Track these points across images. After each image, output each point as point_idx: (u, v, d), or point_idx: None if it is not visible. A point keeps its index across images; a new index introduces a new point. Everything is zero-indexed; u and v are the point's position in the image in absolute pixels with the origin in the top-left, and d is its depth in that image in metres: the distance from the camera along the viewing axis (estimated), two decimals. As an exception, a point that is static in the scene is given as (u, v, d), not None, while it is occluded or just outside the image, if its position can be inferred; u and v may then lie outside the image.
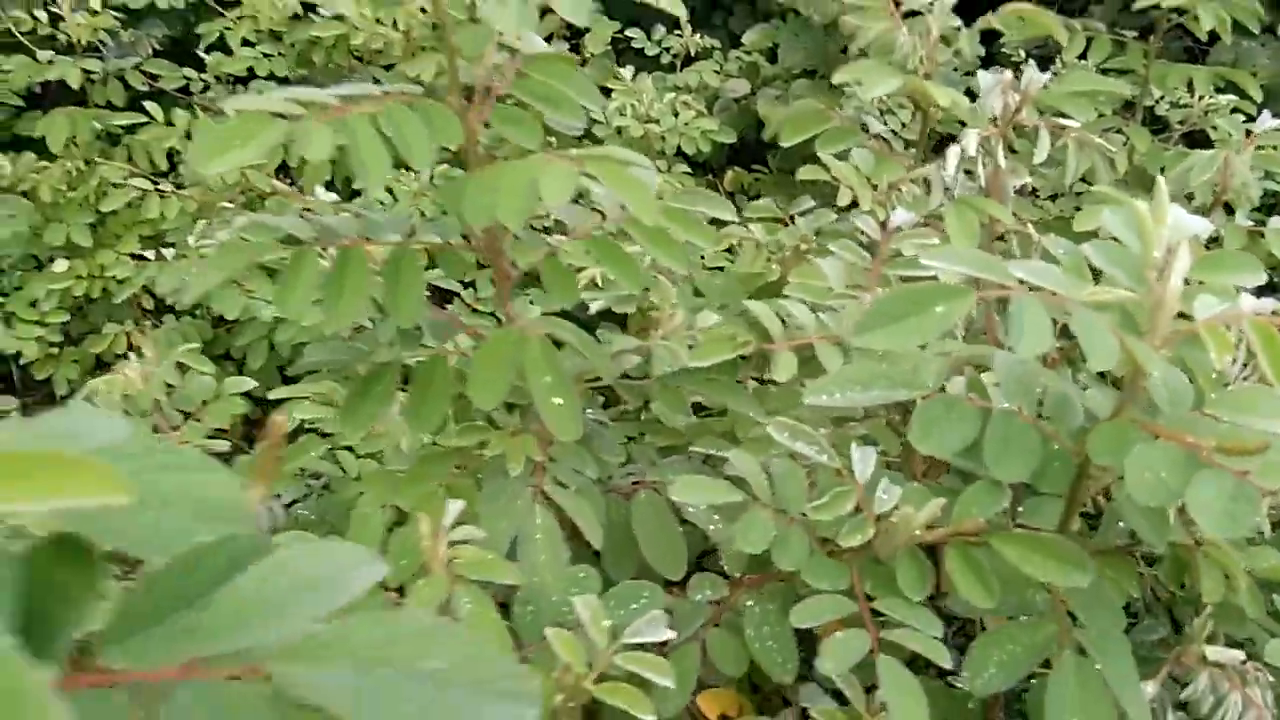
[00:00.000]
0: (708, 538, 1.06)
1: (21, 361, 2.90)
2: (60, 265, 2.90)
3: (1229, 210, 1.39)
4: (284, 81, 3.04)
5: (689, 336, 1.09)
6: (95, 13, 2.83)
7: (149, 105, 2.63)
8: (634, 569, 1.08)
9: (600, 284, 1.30)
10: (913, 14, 1.32)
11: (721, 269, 1.45)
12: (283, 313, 0.95)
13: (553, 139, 3.14)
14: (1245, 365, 0.87)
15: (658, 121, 2.97)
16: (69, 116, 2.89)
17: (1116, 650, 0.74)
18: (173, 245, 2.76)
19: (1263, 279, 0.77)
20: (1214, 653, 0.79)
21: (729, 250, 1.53)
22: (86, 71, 2.85)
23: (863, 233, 1.09)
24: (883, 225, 1.14)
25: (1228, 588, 0.86)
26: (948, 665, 0.72)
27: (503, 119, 1.00)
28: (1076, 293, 0.71)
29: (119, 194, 2.62)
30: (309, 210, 1.30)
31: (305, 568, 0.43)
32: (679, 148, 3.04)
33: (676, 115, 3.02)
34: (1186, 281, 0.74)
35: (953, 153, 1.15)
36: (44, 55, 2.96)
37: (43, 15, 2.87)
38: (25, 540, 0.40)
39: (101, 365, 3.10)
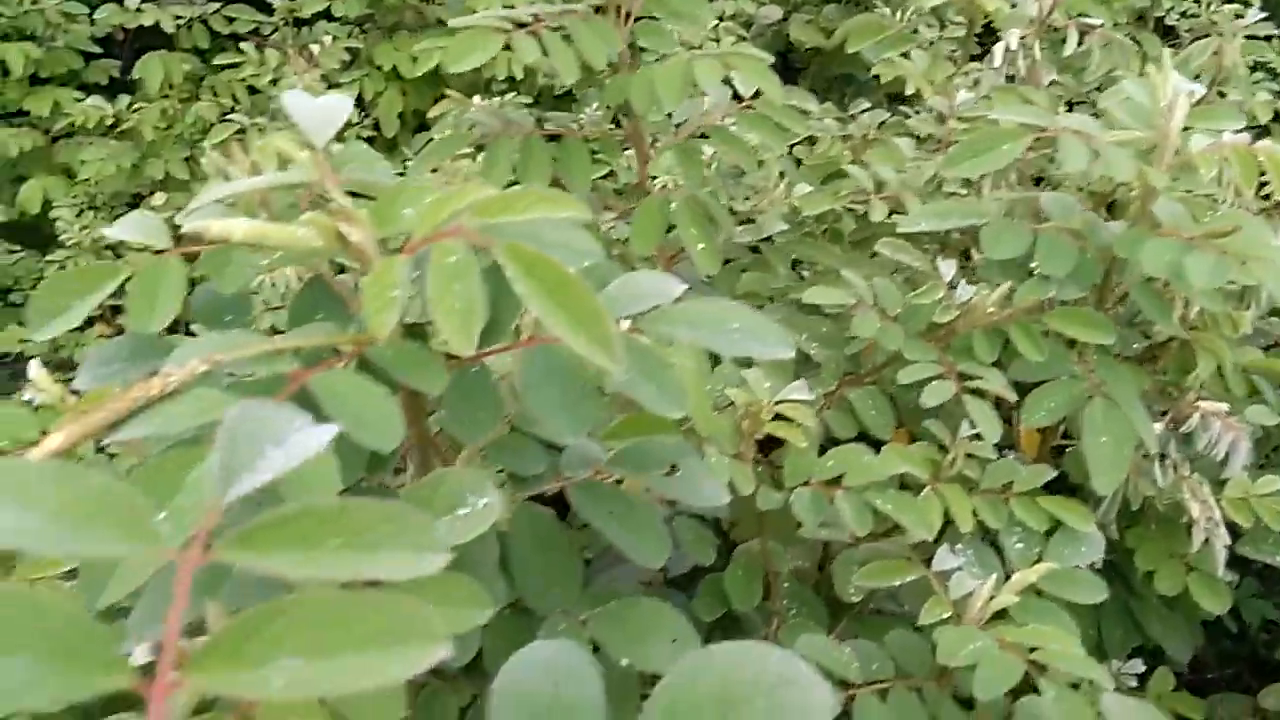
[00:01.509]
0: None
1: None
2: (158, 198, 3.17)
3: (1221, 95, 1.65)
4: (359, 23, 3.28)
5: (788, 204, 1.37)
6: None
7: (245, 46, 2.87)
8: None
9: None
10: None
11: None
12: (488, 181, 1.23)
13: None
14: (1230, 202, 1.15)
15: (700, 48, 3.20)
16: (162, 60, 3.14)
17: (1130, 399, 1.03)
18: (265, 175, 3.02)
19: (1241, 125, 1.05)
20: (1206, 405, 1.08)
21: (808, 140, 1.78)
22: (176, 17, 3.09)
23: (929, 115, 1.36)
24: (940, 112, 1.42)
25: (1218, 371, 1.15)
26: (1013, 398, 1.01)
27: (644, 31, 1.26)
28: (1104, 135, 0.99)
29: (221, 129, 2.88)
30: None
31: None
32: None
33: (718, 42, 3.25)
34: (1186, 129, 1.02)
35: (998, 48, 1.42)
36: (131, 3, 3.20)
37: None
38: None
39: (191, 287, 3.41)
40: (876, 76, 1.79)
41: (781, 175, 1.38)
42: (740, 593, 1.04)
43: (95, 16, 3.27)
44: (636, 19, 1.29)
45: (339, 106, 0.73)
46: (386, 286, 0.60)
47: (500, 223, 0.63)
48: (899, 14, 2.89)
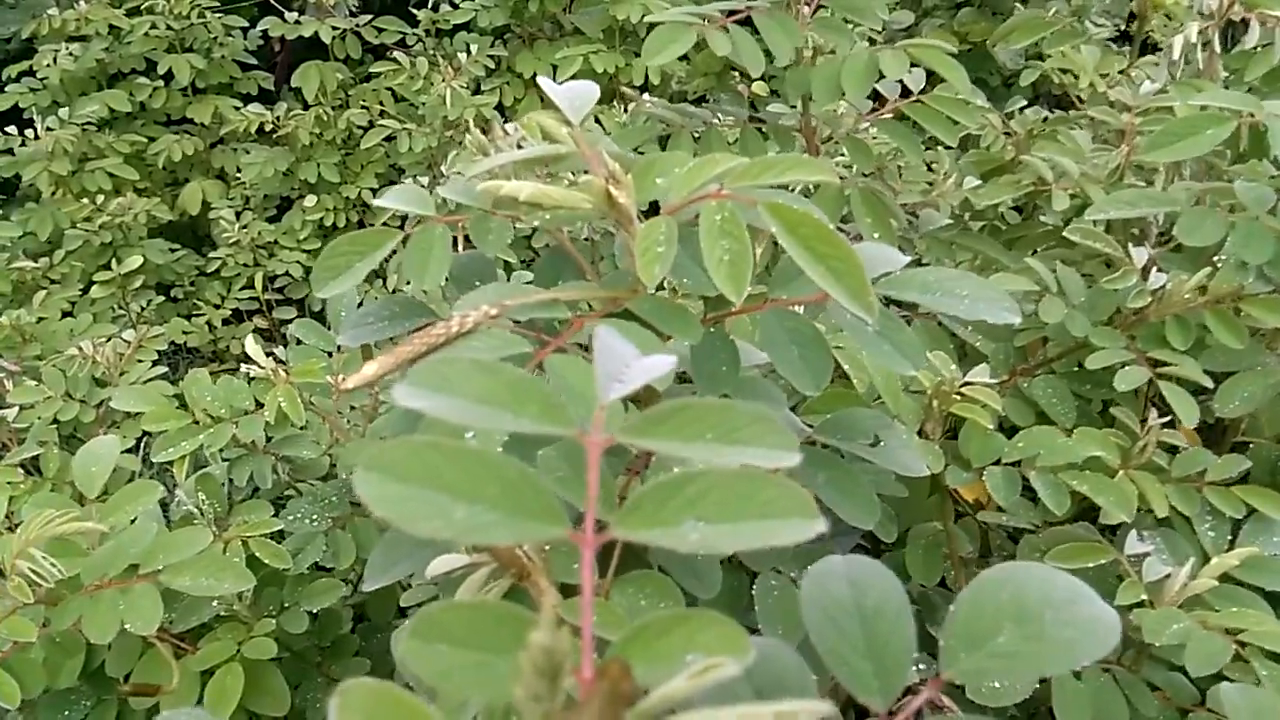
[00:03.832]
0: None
1: (278, 284, 3.36)
2: (310, 200, 3.34)
3: None
4: (497, 33, 3.40)
5: (957, 194, 1.39)
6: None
7: (398, 55, 3.01)
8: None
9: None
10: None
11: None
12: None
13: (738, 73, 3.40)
14: None
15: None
16: (318, 69, 3.32)
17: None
18: (411, 177, 3.17)
19: None
20: None
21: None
22: (333, 28, 3.26)
23: (1109, 105, 1.37)
24: (1110, 104, 1.41)
25: None
26: (1210, 385, 1.01)
27: (822, 25, 1.30)
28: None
29: (374, 133, 3.03)
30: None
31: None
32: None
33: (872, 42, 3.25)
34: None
35: (1177, 41, 1.41)
36: (290, 16, 3.39)
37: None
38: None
39: (341, 288, 3.58)
40: (1011, 81, 1.80)
41: (929, 169, 1.40)
42: (921, 570, 1.06)
43: (258, 27, 3.47)
44: (814, 11, 1.33)
45: (589, 90, 0.78)
46: (653, 242, 0.65)
47: (756, 185, 0.67)
48: (1055, 9, 2.87)
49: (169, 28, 3.47)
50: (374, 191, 3.30)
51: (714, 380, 0.72)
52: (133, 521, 1.09)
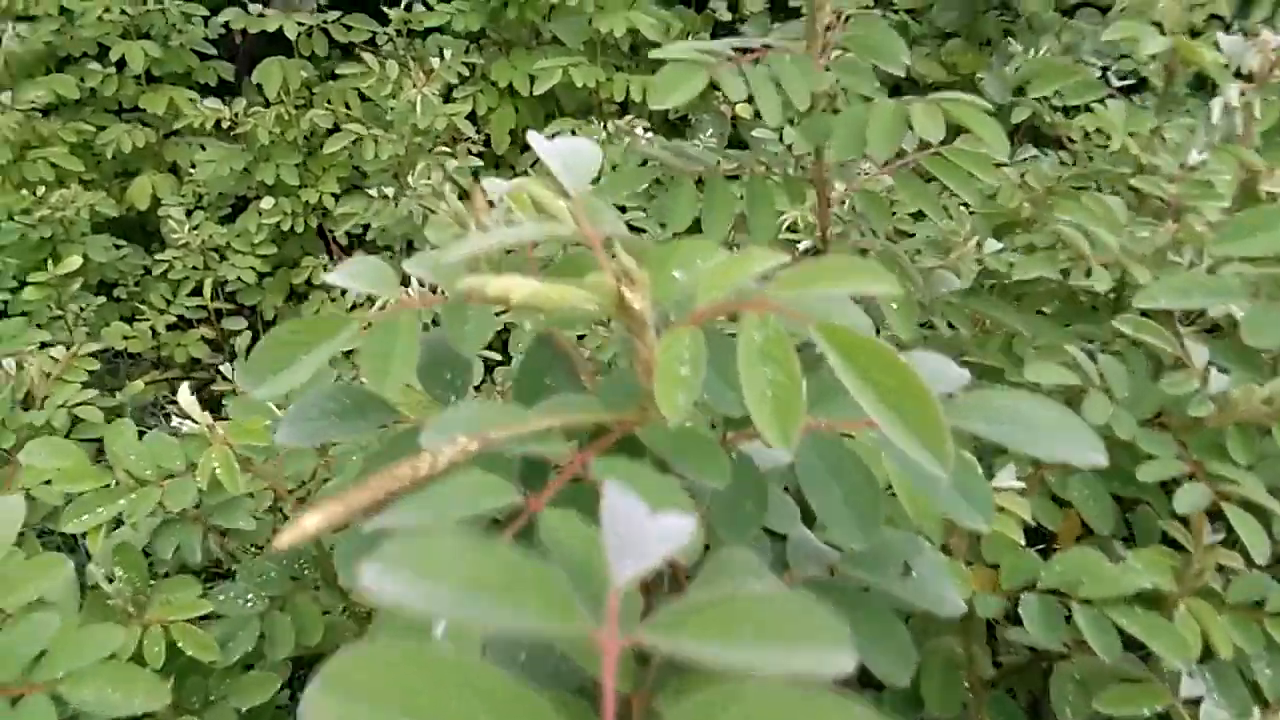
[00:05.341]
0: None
1: (229, 289, 3.17)
2: (267, 202, 3.16)
3: None
4: (472, 38, 3.25)
5: (977, 259, 1.27)
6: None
7: (366, 56, 2.85)
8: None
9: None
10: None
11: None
12: (670, 225, 1.14)
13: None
14: None
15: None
16: (281, 65, 3.14)
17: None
18: (371, 184, 3.00)
19: None
20: None
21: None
22: (299, 24, 3.09)
23: (1134, 172, 1.25)
24: (1140, 167, 1.30)
25: None
26: (1278, 511, 0.89)
27: (844, 69, 1.17)
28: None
29: (338, 137, 2.86)
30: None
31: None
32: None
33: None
34: None
35: (1216, 104, 1.30)
36: (254, 8, 3.22)
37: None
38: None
39: (295, 295, 3.39)
40: (998, 113, 1.70)
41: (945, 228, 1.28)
42: (939, 700, 0.94)
43: (219, 19, 3.29)
44: (835, 54, 1.20)
45: (591, 152, 0.65)
46: (676, 362, 0.52)
47: (804, 293, 0.54)
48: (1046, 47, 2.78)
49: (124, 12, 3.27)
50: (336, 197, 3.13)
51: (738, 526, 0.59)
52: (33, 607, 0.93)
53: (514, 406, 0.55)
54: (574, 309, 0.55)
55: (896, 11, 3.73)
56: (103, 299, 3.05)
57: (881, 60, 1.19)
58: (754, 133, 2.88)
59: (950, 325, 1.33)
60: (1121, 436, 0.94)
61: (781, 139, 2.88)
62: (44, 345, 2.32)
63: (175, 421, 1.15)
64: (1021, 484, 0.94)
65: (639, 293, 0.55)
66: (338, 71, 2.99)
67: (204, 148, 3.30)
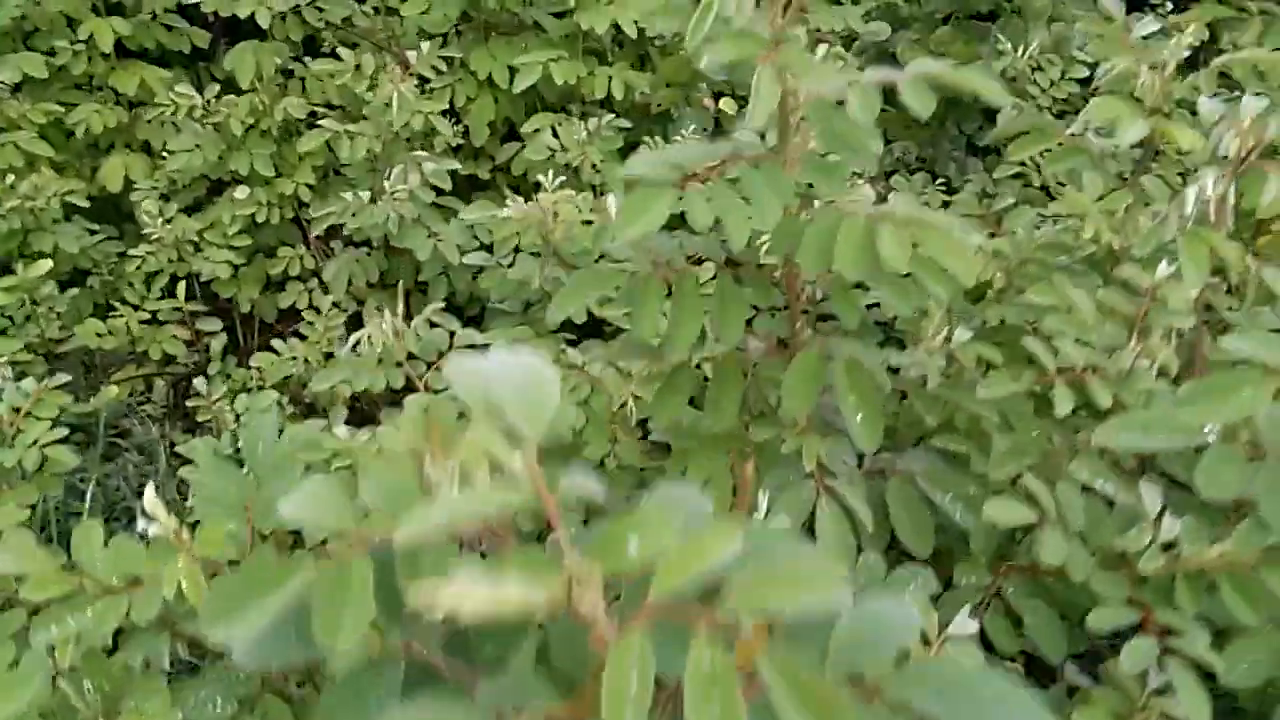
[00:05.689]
0: (946, 524, 1.27)
1: (204, 279, 3.12)
2: (241, 191, 3.11)
3: None
4: (455, 32, 3.16)
5: (946, 351, 1.27)
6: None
7: (342, 52, 2.78)
8: (886, 542, 1.29)
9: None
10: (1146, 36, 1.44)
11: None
12: (637, 330, 1.13)
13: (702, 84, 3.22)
14: None
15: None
16: (254, 52, 3.06)
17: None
18: (345, 177, 2.96)
19: None
20: None
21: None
22: (270, 9, 3.00)
23: (1105, 256, 1.25)
24: (1111, 254, 1.30)
25: None
26: (1219, 669, 0.92)
27: (815, 170, 1.16)
28: (1352, 378, 0.88)
29: (315, 135, 2.80)
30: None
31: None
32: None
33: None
34: None
35: (1191, 192, 1.29)
36: (225, -13, 3.11)
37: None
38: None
39: (271, 284, 3.34)
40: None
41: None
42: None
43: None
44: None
45: (548, 382, 0.64)
46: (623, 683, 0.52)
47: (764, 604, 0.54)
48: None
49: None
50: (311, 188, 3.08)
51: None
52: None
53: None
54: (525, 608, 0.55)
55: (888, -9, 3.65)
56: (75, 290, 3.01)
57: (853, 153, 1.18)
58: (736, 134, 2.83)
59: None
60: (1076, 579, 0.96)
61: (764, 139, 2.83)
62: (15, 365, 2.30)
63: (141, 524, 1.15)
64: (975, 628, 0.96)
65: (591, 592, 0.55)
66: (313, 69, 2.92)
67: (177, 128, 3.22)
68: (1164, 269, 1.20)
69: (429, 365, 1.92)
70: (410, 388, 1.89)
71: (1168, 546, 0.94)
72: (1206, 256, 1.26)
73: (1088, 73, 3.14)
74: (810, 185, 1.18)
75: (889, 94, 1.11)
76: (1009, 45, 3.03)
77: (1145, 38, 1.40)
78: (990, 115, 3.51)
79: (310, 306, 3.12)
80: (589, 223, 2.22)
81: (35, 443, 1.80)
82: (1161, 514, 0.96)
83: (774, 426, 1.24)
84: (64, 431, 1.82)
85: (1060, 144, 1.47)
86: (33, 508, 1.85)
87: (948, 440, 1.29)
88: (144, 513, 1.16)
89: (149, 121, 3.37)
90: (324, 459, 1.61)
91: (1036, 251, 1.46)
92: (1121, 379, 1.08)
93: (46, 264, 2.65)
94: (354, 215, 2.61)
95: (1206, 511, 0.95)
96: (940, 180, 3.28)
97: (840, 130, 1.16)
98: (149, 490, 1.17)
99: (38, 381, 1.87)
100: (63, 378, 1.94)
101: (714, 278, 1.25)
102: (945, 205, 3.04)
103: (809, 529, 1.22)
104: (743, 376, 1.26)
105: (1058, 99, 3.00)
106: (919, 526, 1.27)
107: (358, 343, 1.84)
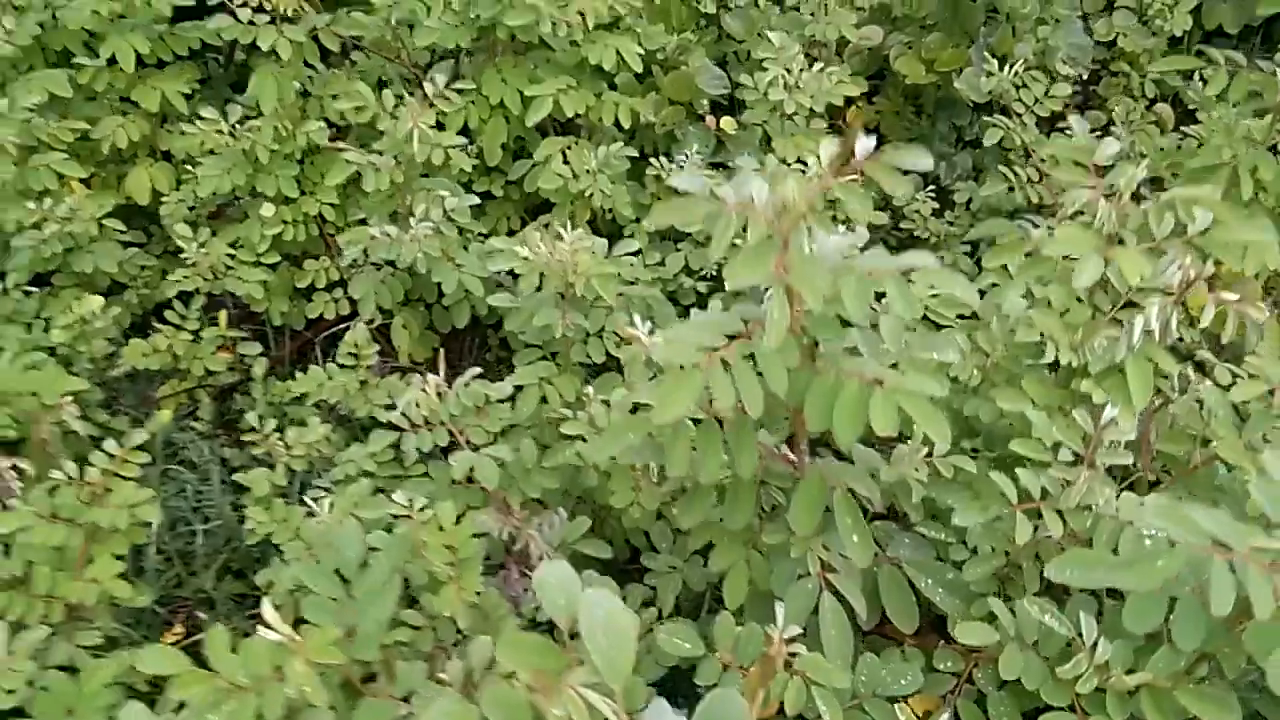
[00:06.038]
0: (931, 606, 1.51)
1: (239, 296, 3.30)
2: (268, 209, 3.27)
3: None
4: (464, 53, 3.28)
5: (928, 463, 1.50)
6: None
7: (362, 88, 2.93)
8: (879, 619, 1.54)
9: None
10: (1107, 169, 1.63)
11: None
12: (670, 465, 1.36)
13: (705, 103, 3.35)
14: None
15: (800, 88, 3.17)
16: (275, 78, 3.19)
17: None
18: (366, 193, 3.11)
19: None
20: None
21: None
22: (290, 40, 3.12)
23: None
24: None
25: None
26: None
27: (817, 325, 1.37)
28: (1247, 542, 1.11)
29: (341, 167, 2.96)
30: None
31: None
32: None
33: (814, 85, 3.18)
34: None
35: (1138, 322, 1.51)
36: (244, 14, 3.23)
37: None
38: None
39: (299, 293, 3.51)
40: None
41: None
42: None
43: (210, 27, 3.30)
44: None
45: (628, 628, 0.87)
46: None
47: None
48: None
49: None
50: (334, 206, 3.25)
51: None
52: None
53: None
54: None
55: (882, -10, 3.76)
56: (117, 308, 3.19)
57: (831, 335, 1.37)
58: (738, 160, 3.01)
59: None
60: (1029, 688, 1.21)
61: (762, 164, 3.03)
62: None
63: (260, 631, 1.38)
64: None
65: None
66: (335, 106, 3.06)
67: (200, 141, 3.35)
68: (1109, 412, 1.43)
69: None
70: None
71: (1101, 666, 1.19)
72: (1150, 379, 1.48)
73: (1071, 89, 3.30)
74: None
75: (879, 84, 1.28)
76: (994, 64, 3.16)
77: (1106, 168, 1.59)
78: (979, 108, 3.68)
79: (338, 318, 3.33)
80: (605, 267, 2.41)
81: (124, 504, 2.03)
82: (1096, 642, 1.20)
83: (783, 530, 1.47)
84: (150, 492, 2.05)
85: (1028, 254, 1.68)
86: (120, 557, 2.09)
87: (930, 527, 1.53)
88: (263, 622, 1.40)
89: (169, 130, 3.52)
90: (385, 525, 1.85)
91: (1009, 355, 1.67)
92: (1071, 511, 1.31)
93: (99, 300, 2.84)
94: (384, 249, 2.79)
95: (1130, 642, 1.20)
96: (930, 186, 3.47)
97: (832, 321, 1.37)
98: (266, 605, 1.40)
99: (104, 410, 2.08)
100: (139, 436, 2.16)
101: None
102: (936, 213, 3.22)
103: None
104: (756, 484, 1.49)
105: (1042, 118, 3.17)
106: (905, 608, 1.52)
107: (405, 406, 2.05)
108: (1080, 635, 1.22)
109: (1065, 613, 1.27)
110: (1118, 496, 1.41)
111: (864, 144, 1.27)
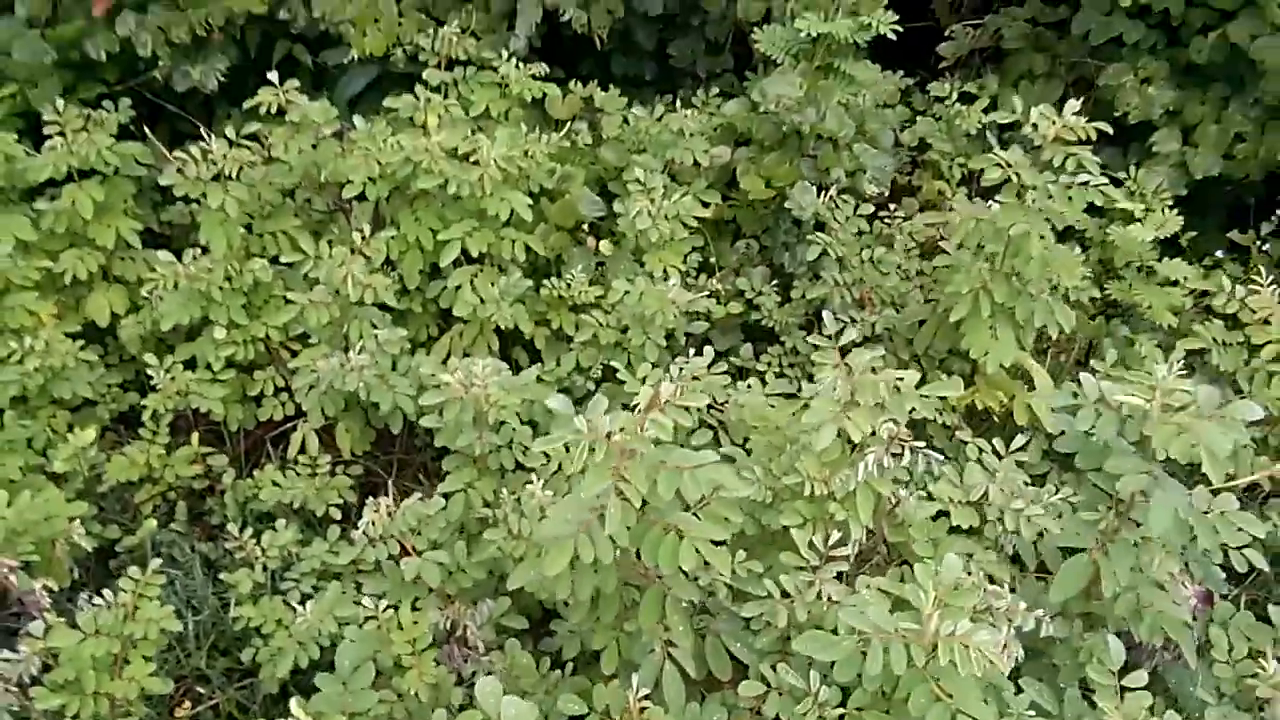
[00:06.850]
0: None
1: (200, 409, 3.88)
2: (219, 331, 3.87)
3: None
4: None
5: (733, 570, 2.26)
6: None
7: (304, 243, 3.56)
8: (705, 674, 2.30)
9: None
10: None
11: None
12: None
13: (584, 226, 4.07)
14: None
15: (663, 213, 3.92)
16: (224, 227, 3.78)
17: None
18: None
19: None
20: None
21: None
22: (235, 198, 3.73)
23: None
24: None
25: None
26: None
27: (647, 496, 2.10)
28: (896, 626, 1.91)
29: (286, 310, 3.60)
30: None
31: None
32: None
33: (676, 213, 3.93)
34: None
35: (861, 466, 2.29)
36: (191, 171, 3.81)
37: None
38: None
39: (249, 399, 4.11)
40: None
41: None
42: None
43: (160, 181, 3.87)
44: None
45: (528, 713, 1.59)
46: None
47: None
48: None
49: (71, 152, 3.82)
50: (279, 329, 3.87)
51: None
52: None
53: None
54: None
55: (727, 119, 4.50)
56: (93, 427, 3.75)
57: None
58: (614, 282, 3.72)
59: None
60: (784, 718, 1.98)
61: (633, 280, 3.72)
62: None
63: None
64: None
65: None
66: (284, 261, 3.69)
67: (151, 267, 3.88)
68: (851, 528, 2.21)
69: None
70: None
71: (821, 704, 1.96)
72: (871, 502, 2.27)
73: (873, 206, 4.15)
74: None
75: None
76: (814, 192, 3.96)
77: (846, 349, 2.38)
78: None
79: (284, 418, 3.94)
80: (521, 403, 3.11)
81: (149, 618, 2.67)
82: (819, 690, 1.97)
83: (636, 622, 2.22)
84: (171, 608, 2.70)
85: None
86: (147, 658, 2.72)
87: (739, 607, 2.29)
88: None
89: (121, 257, 4.09)
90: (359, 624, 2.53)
91: (787, 486, 2.44)
92: (811, 602, 2.09)
93: (91, 434, 3.43)
94: (329, 378, 3.43)
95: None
96: (775, 279, 4.25)
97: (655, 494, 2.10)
98: (295, 707, 2.08)
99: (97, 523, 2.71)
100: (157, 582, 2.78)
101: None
102: (781, 303, 4.00)
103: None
104: (619, 594, 2.23)
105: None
106: (722, 665, 2.28)
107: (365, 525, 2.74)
108: (808, 685, 1.99)
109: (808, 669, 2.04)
110: (855, 579, 2.19)
111: (698, 362, 2.05)
